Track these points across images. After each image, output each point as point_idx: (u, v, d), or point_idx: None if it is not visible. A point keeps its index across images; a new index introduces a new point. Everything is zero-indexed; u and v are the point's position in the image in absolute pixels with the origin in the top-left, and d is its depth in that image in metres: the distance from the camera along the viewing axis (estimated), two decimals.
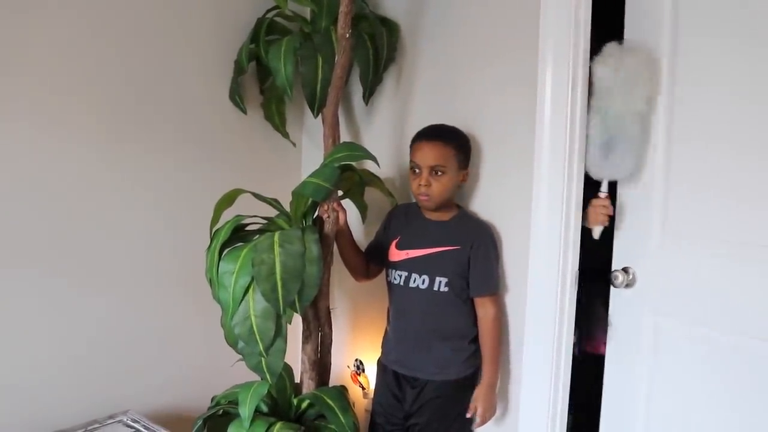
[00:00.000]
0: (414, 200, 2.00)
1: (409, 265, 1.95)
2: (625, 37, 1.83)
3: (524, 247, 1.92)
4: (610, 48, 1.75)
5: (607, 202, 1.82)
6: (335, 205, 1.92)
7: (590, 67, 1.79)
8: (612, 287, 1.90)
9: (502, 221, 1.99)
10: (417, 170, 1.89)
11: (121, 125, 2.10)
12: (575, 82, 1.81)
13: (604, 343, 1.94)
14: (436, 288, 1.91)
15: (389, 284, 2.03)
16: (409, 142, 1.95)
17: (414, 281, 1.94)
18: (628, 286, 1.86)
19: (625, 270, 1.85)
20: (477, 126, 2.00)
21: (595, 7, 1.84)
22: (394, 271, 1.99)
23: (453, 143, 1.90)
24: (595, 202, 1.84)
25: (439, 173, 1.87)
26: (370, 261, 2.09)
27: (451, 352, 1.94)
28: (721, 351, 1.67)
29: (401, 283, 1.96)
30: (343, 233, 1.99)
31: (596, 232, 1.86)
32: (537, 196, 1.88)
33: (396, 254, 2.00)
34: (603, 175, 1.82)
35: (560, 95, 1.81)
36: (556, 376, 1.89)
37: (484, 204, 2.03)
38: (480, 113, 2.01)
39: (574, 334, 1.95)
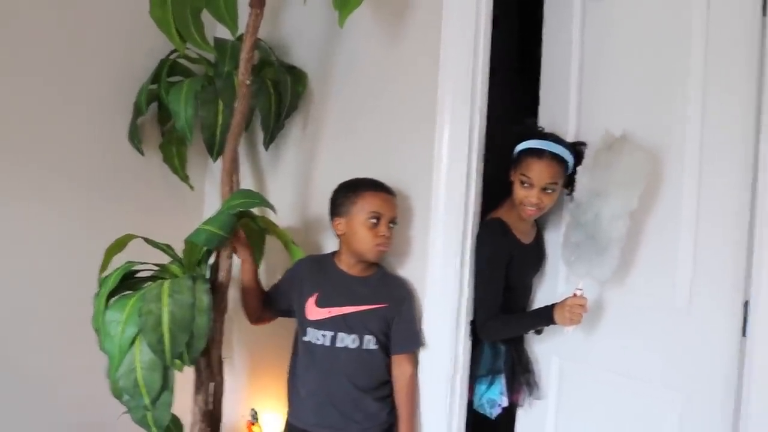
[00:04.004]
0: (324, 252, 2.05)
1: (334, 324, 1.86)
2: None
3: (421, 298, 1.94)
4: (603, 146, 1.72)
5: (585, 301, 1.72)
6: (240, 242, 1.91)
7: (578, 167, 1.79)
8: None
9: (400, 271, 2.01)
10: (376, 221, 1.83)
11: (9, 164, 2.02)
12: (472, 135, 1.88)
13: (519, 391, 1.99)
14: (365, 346, 1.86)
15: (306, 344, 1.90)
16: (312, 191, 1.94)
17: (342, 341, 1.86)
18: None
19: None
20: (381, 175, 1.99)
21: None
22: (316, 330, 1.88)
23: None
24: (571, 301, 1.73)
25: (393, 225, 1.88)
26: (268, 308, 2.02)
27: (379, 402, 1.89)
28: (610, 389, 1.86)
29: (326, 344, 1.86)
30: (248, 271, 1.96)
31: (569, 331, 1.77)
32: (433, 246, 1.91)
33: (316, 312, 1.89)
34: (583, 273, 1.74)
35: (458, 148, 1.87)
36: (449, 424, 1.92)
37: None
38: (384, 163, 2.03)
39: (506, 385, 1.95)
